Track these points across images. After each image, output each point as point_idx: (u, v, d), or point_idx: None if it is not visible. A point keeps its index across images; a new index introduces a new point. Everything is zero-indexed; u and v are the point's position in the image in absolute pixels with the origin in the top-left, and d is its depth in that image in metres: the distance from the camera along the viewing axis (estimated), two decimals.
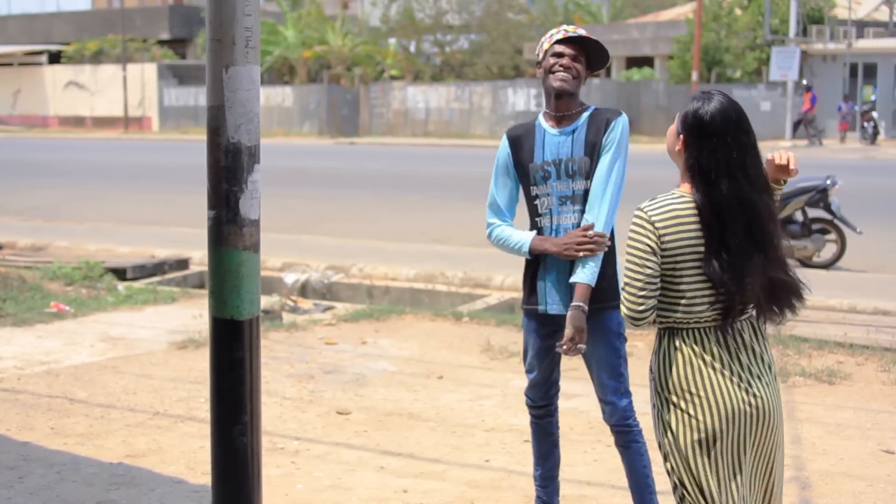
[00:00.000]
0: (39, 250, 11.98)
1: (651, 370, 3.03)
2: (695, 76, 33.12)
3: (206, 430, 4.93)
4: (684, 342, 2.93)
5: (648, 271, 2.89)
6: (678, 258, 2.89)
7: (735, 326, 2.93)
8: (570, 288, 3.84)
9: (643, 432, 3.99)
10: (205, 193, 2.89)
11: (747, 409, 2.89)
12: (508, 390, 6.20)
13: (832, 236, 10.66)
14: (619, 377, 3.93)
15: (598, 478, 4.81)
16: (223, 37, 2.81)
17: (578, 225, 3.86)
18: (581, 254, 3.76)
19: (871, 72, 34.77)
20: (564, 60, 3.81)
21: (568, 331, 3.75)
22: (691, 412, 2.91)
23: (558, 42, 3.82)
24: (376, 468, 4.96)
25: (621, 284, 3.93)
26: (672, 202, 2.91)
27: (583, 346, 3.77)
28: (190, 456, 5.10)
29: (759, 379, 2.93)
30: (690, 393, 2.91)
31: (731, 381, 2.90)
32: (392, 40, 46.88)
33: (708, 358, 2.91)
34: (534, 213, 3.95)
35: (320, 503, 4.56)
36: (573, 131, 3.86)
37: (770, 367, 2.98)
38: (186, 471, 4.89)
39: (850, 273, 10.22)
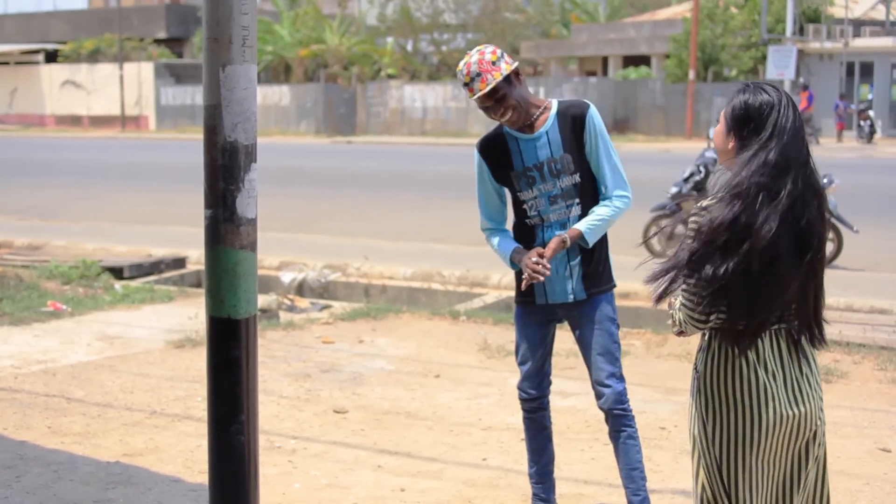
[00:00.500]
0: (36, 249, 11.97)
1: (696, 368, 2.88)
2: (692, 75, 33.15)
3: (203, 428, 4.93)
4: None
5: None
6: None
7: (786, 330, 2.80)
8: (569, 276, 3.94)
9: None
10: (202, 192, 2.89)
11: (791, 417, 2.77)
12: (505, 389, 6.20)
13: (829, 235, 10.67)
14: (616, 361, 4.01)
15: (596, 476, 4.81)
16: (220, 36, 2.81)
17: (580, 216, 3.94)
18: (525, 273, 3.87)
19: (867, 71, 34.79)
20: (495, 110, 3.85)
21: (544, 251, 3.83)
22: (733, 415, 2.77)
23: (477, 99, 3.84)
24: (373, 467, 4.96)
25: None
26: None
27: (545, 271, 3.83)
28: (187, 455, 5.09)
29: (808, 387, 2.80)
30: (735, 395, 2.77)
31: (780, 386, 2.77)
32: (389, 39, 46.89)
33: (760, 361, 2.76)
34: (523, 216, 4.03)
35: (317, 502, 4.56)
36: (546, 132, 3.93)
37: (818, 377, 2.85)
38: (183, 470, 4.89)
39: (847, 272, 10.23)
